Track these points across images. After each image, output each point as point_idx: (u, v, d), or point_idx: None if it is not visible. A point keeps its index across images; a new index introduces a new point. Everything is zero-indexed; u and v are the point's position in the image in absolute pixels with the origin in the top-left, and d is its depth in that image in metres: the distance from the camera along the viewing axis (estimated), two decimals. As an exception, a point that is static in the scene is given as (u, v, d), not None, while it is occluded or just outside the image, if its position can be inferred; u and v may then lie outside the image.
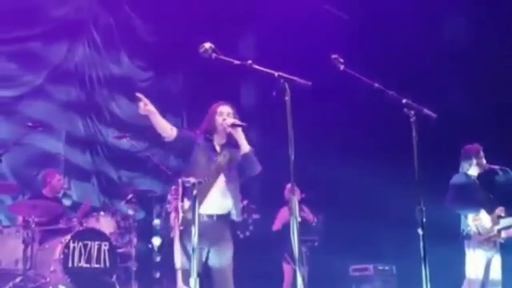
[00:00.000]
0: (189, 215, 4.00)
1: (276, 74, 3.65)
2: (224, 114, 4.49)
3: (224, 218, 4.50)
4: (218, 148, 4.51)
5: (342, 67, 3.85)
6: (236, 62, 3.76)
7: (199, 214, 4.09)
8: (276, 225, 7.91)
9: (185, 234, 4.21)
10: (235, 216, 4.62)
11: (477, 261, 5.73)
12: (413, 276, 4.11)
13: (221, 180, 4.42)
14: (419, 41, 8.45)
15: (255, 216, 7.88)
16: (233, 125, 4.41)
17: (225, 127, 4.43)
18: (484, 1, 8.19)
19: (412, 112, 3.73)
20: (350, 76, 3.93)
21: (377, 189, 7.50)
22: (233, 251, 4.64)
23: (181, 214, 4.27)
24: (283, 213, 7.94)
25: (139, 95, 4.35)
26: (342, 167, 7.76)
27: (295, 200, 3.55)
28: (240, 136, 4.44)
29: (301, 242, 3.57)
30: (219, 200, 4.41)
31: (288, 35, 8.91)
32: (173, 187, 4.39)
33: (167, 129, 4.53)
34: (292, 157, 3.49)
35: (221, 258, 4.50)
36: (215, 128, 4.49)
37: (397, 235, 6.47)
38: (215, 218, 4.40)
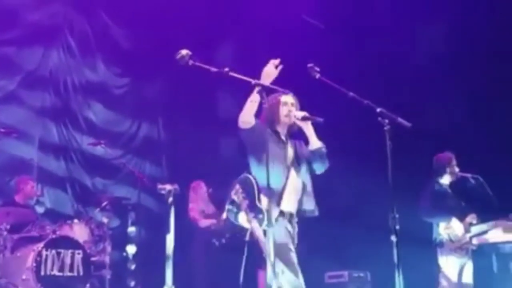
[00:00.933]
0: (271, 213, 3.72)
1: (253, 81, 3.67)
2: (289, 105, 4.28)
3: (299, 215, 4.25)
4: (284, 139, 4.31)
5: (317, 75, 3.90)
6: (213, 69, 3.76)
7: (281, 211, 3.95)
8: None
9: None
10: (313, 213, 4.36)
11: (450, 268, 5.82)
12: (387, 283, 4.14)
13: (293, 174, 4.21)
14: (395, 51, 8.57)
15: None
16: (305, 118, 4.18)
17: (293, 119, 4.21)
18: (460, 13, 8.35)
19: (386, 120, 3.78)
20: (326, 85, 3.98)
21: (352, 196, 7.57)
22: None
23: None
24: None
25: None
26: (315, 174, 7.80)
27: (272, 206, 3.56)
28: (310, 130, 4.22)
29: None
30: (294, 196, 4.18)
31: (267, 44, 8.95)
32: (237, 186, 4.09)
33: (251, 114, 4.07)
34: (270, 163, 3.53)
35: None
36: (279, 119, 4.26)
37: (372, 242, 6.51)
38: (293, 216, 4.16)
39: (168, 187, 4.09)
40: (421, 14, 8.58)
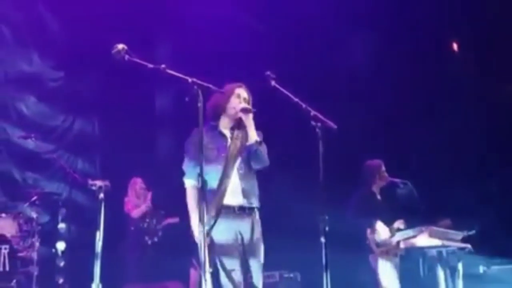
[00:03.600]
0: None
1: (189, 80, 3.66)
2: (241, 98, 4.24)
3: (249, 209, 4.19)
4: (226, 132, 4.28)
5: (273, 82, 3.97)
6: (150, 65, 3.70)
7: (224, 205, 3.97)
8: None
9: None
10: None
11: (383, 274, 5.93)
12: (316, 284, 4.23)
13: (238, 166, 4.17)
14: (329, 58, 8.80)
15: (173, 220, 7.84)
16: (244, 110, 4.15)
17: (237, 111, 4.17)
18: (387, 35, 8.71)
19: (319, 124, 3.87)
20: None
21: (283, 197, 7.67)
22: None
23: None
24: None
25: None
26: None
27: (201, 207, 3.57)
28: (250, 123, 4.16)
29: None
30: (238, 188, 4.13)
31: (205, 41, 8.95)
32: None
33: None
34: (203, 162, 3.54)
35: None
36: (225, 110, 4.24)
37: (302, 243, 6.62)
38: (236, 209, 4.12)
39: (98, 183, 4.05)
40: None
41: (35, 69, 9.07)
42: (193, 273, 7.59)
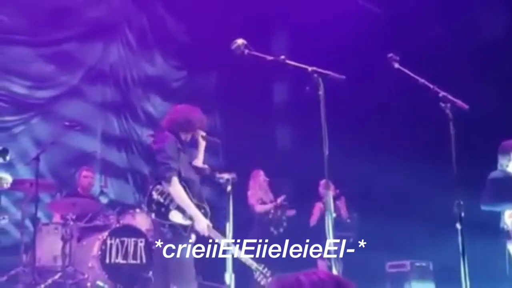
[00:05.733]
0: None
1: (309, 68, 3.62)
2: (203, 122, 4.62)
3: None
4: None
5: (396, 65, 3.85)
6: (269, 58, 3.73)
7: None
8: (313, 220, 7.87)
9: None
10: None
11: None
12: (450, 273, 4.03)
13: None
14: (453, 35, 8.31)
15: (291, 212, 7.89)
16: (204, 138, 4.59)
17: (200, 135, 4.57)
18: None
19: (449, 105, 3.67)
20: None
21: (413, 184, 7.40)
22: None
23: None
24: (318, 208, 7.92)
25: None
26: (377, 162, 7.70)
27: (330, 195, 3.54)
28: (202, 148, 4.65)
29: (335, 238, 3.53)
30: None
31: (320, 30, 8.85)
32: (158, 186, 4.34)
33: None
34: (327, 153, 3.48)
35: None
36: (192, 131, 4.57)
37: (434, 230, 6.38)
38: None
39: (226, 176, 4.13)
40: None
41: (159, 71, 9.53)
42: (320, 263, 7.57)
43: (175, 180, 4.26)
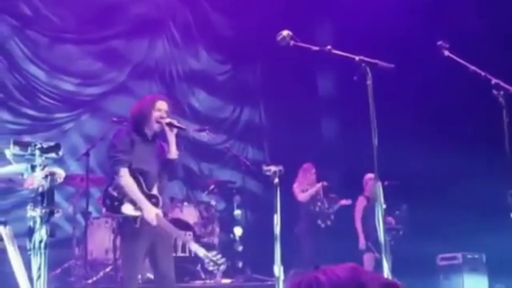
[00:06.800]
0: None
1: (356, 58, 3.57)
2: (162, 111, 4.39)
3: None
4: (151, 139, 4.46)
5: (446, 52, 3.76)
6: (315, 48, 3.69)
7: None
8: (357, 221, 7.78)
9: None
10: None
11: None
12: (504, 265, 3.91)
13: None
14: (500, 23, 8.03)
15: (347, 202, 7.80)
16: (171, 125, 4.35)
17: (162, 124, 4.34)
18: None
19: (501, 92, 3.56)
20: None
21: (465, 174, 7.22)
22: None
23: None
24: (360, 203, 7.84)
25: None
26: (427, 152, 7.55)
27: (379, 186, 3.47)
28: (172, 138, 4.38)
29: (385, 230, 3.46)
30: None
31: (366, 18, 8.71)
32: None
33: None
34: (376, 143, 3.42)
35: None
36: (148, 121, 4.37)
37: (487, 221, 6.19)
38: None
39: (273, 168, 4.12)
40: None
41: (204, 65, 9.60)
42: (366, 256, 7.49)
43: (123, 171, 4.22)
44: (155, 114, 4.35)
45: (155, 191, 4.33)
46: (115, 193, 4.25)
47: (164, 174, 4.45)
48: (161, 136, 4.47)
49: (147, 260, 4.43)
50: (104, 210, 4.42)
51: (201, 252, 4.19)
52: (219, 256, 4.21)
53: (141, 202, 4.18)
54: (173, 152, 4.39)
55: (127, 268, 4.28)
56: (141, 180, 4.27)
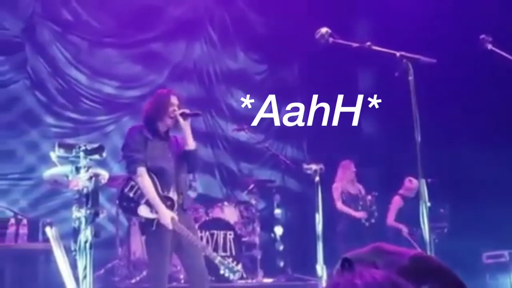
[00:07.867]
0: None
1: (397, 54, 3.51)
2: (175, 106, 4.35)
3: None
4: (164, 136, 4.40)
5: (489, 46, 3.69)
6: (355, 44, 3.66)
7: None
8: (390, 219, 7.67)
9: None
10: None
11: None
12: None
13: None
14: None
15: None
16: (184, 115, 4.29)
17: (176, 117, 4.28)
18: None
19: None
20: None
21: (510, 171, 7.04)
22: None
23: None
24: (396, 203, 7.72)
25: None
26: (470, 149, 7.38)
27: (423, 184, 3.41)
28: (188, 129, 4.33)
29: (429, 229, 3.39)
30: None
31: (405, 13, 8.57)
32: (131, 182, 4.27)
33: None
34: (419, 140, 3.35)
35: None
36: (163, 116, 4.32)
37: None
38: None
39: (314, 166, 4.10)
40: None
41: (241, 65, 9.62)
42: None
43: (141, 170, 4.18)
44: (170, 109, 4.33)
45: (171, 191, 4.28)
46: (130, 194, 4.22)
47: (182, 168, 4.39)
48: (173, 131, 4.48)
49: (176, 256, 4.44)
50: (120, 211, 4.39)
51: (216, 259, 4.18)
52: (234, 263, 4.24)
53: (157, 205, 4.15)
54: (190, 143, 4.36)
55: (154, 267, 4.26)
56: (156, 180, 4.23)
